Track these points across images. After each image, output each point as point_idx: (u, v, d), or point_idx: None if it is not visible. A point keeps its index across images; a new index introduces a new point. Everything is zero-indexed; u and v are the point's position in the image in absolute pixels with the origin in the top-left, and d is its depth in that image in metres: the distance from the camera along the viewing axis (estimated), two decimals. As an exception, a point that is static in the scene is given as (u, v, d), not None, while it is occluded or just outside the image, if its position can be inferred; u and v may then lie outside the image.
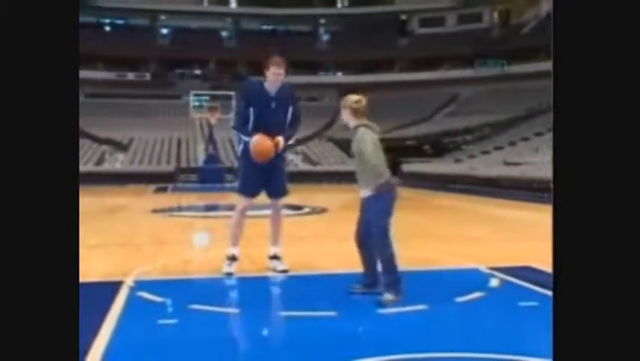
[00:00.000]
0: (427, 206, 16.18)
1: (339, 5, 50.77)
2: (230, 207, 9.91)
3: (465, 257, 6.50)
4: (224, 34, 49.37)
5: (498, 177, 22.67)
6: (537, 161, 22.43)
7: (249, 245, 6.81)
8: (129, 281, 5.24)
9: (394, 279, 4.45)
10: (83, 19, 39.89)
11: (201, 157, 29.86)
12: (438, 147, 35.96)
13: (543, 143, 26.68)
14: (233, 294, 5.31)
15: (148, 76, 45.45)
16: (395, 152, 34.85)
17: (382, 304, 4.35)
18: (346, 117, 4.44)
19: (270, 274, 5.65)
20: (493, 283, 5.19)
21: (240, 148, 5.60)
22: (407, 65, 46.17)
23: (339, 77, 47.99)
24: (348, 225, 4.94)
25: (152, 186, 25.16)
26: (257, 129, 5.26)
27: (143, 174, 29.59)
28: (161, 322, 4.11)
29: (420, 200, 18.09)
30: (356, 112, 4.41)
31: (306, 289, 4.58)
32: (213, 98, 32.17)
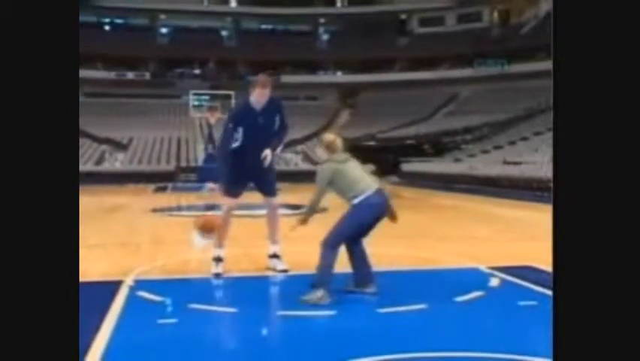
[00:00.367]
0: (427, 205, 16.17)
1: (338, 5, 50.73)
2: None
3: (465, 257, 6.50)
4: (224, 33, 49.34)
5: (498, 177, 22.67)
6: (537, 160, 22.42)
7: (249, 245, 6.82)
8: (129, 281, 5.24)
9: (324, 282, 4.53)
10: (83, 18, 39.85)
11: (201, 156, 29.85)
12: (437, 146, 35.96)
13: (543, 142, 26.68)
14: (233, 294, 5.31)
15: (148, 75, 45.41)
16: (394, 151, 35.00)
17: (303, 302, 4.43)
18: (320, 153, 4.91)
19: (269, 273, 5.65)
20: (493, 282, 5.19)
21: (221, 148, 5.69)
22: (407, 65, 46.15)
23: (339, 77, 47.99)
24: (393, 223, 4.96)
25: (152, 186, 25.14)
26: (244, 145, 5.43)
27: (142, 173, 29.59)
28: (161, 321, 4.11)
29: (419, 199, 18.09)
30: (329, 148, 4.83)
31: (305, 288, 4.58)
32: (213, 97, 32.15)
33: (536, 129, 30.61)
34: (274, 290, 5.50)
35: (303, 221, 4.85)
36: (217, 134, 30.63)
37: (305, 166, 31.18)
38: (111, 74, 44.07)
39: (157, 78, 45.17)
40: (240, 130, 5.44)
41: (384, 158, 34.07)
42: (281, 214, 5.91)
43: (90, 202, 15.58)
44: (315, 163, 32.46)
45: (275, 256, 5.66)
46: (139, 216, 12.33)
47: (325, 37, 50.24)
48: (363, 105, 43.94)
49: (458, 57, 43.88)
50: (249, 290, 5.18)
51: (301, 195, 5.00)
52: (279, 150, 5.66)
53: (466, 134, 36.20)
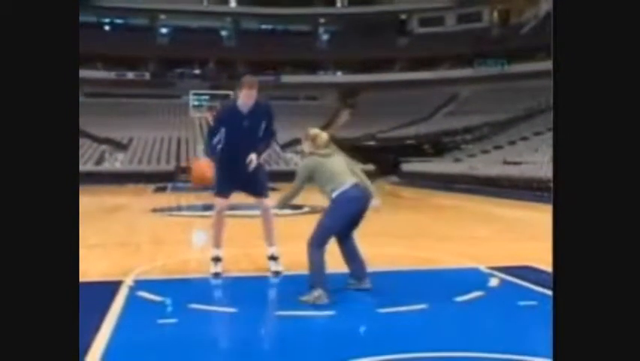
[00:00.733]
0: (427, 205, 16.17)
1: (338, 5, 50.74)
2: (231, 208, 9.93)
3: (465, 257, 6.50)
4: (223, 33, 49.34)
5: (497, 177, 22.68)
6: (536, 160, 22.43)
7: (249, 245, 6.82)
8: (129, 281, 5.24)
9: (319, 281, 4.56)
10: (83, 18, 39.85)
11: (201, 157, 29.86)
12: (437, 146, 35.98)
13: (542, 142, 26.69)
14: (233, 294, 5.31)
15: (147, 75, 45.42)
16: (395, 151, 35.01)
17: (302, 303, 4.47)
18: (305, 147, 5.03)
19: (269, 274, 5.65)
20: (493, 282, 5.20)
21: (208, 151, 5.71)
22: (407, 65, 46.16)
23: (339, 77, 48.00)
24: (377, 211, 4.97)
25: (152, 186, 25.15)
26: (229, 147, 5.42)
27: (142, 173, 29.62)
28: (161, 321, 4.11)
29: (419, 199, 18.10)
30: (313, 143, 4.94)
31: (305, 288, 4.59)
32: (213, 97, 32.20)
33: (536, 129, 30.62)
34: (274, 290, 5.50)
35: (280, 207, 5.18)
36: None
37: (305, 166, 31.10)
38: (111, 74, 44.08)
39: (157, 78, 45.17)
40: (223, 130, 5.43)
41: (384, 158, 34.14)
42: (279, 214, 5.90)
43: (90, 202, 15.59)
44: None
45: (272, 258, 5.65)
46: (139, 217, 12.34)
47: (325, 37, 50.25)
48: (363, 105, 43.95)
49: (458, 57, 43.89)
50: (248, 290, 5.18)
51: (301, 194, 5.00)
52: (265, 155, 5.63)
53: (466, 134, 36.22)
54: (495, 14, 47.08)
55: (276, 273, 5.56)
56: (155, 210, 13.43)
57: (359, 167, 5.22)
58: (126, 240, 8.52)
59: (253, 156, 5.38)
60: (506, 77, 40.53)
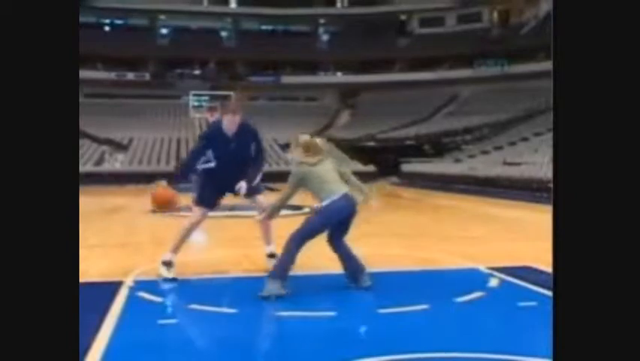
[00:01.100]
0: (427, 206, 16.17)
1: (338, 5, 50.72)
2: (230, 208, 9.95)
3: (465, 257, 6.50)
4: (223, 34, 49.32)
5: (497, 177, 22.67)
6: (536, 161, 22.43)
7: (249, 245, 6.81)
8: (129, 281, 5.24)
9: (280, 276, 4.64)
10: (83, 19, 39.82)
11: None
12: (437, 146, 35.97)
13: (542, 143, 26.68)
14: (233, 294, 5.30)
15: (147, 76, 45.39)
16: (395, 152, 35.00)
17: (263, 297, 4.56)
18: (296, 154, 5.08)
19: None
20: (493, 283, 5.20)
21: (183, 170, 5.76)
22: (407, 65, 46.15)
23: (339, 77, 47.98)
24: (370, 208, 4.98)
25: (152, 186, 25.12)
26: (219, 169, 5.44)
27: (142, 174, 29.58)
28: (161, 322, 4.11)
29: (420, 200, 18.10)
30: (304, 149, 4.98)
31: (305, 289, 4.59)
32: (213, 98, 32.18)
33: (536, 130, 30.61)
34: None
35: (269, 217, 5.23)
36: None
37: (305, 167, 31.09)
38: (111, 75, 44.06)
39: (157, 79, 45.15)
40: (210, 152, 5.45)
41: (384, 158, 34.15)
42: (283, 214, 5.89)
43: (90, 203, 15.58)
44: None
45: (271, 255, 5.66)
46: (139, 217, 12.34)
47: (325, 37, 50.22)
48: (364, 106, 43.95)
49: (458, 57, 43.86)
50: (248, 291, 5.18)
51: (301, 195, 5.00)
52: (256, 180, 5.60)
53: (466, 134, 36.22)
54: (495, 15, 47.05)
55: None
56: (155, 211, 13.42)
57: (350, 169, 5.25)
58: (126, 240, 8.52)
59: (243, 184, 5.39)
60: (506, 78, 40.51)
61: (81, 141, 31.71)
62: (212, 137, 5.54)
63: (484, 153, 30.82)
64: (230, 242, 7.34)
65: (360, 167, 31.57)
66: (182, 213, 13.76)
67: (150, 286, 5.08)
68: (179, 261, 5.48)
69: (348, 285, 4.95)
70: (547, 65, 29.47)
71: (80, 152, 30.35)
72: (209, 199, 5.58)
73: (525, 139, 30.59)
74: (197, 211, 5.59)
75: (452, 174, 26.39)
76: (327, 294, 4.84)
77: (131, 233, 9.44)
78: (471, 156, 30.68)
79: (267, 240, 5.73)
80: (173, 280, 5.35)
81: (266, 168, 6.01)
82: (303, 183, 4.89)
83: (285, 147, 33.25)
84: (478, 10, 46.87)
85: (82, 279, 3.95)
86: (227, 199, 5.83)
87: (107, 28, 47.91)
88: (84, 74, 34.71)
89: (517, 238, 8.80)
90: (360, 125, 39.70)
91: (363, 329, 4.09)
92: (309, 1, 48.26)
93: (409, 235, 8.81)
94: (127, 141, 35.52)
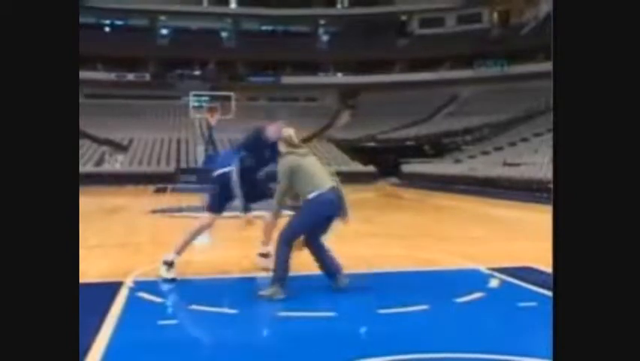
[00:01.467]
0: (427, 206, 16.16)
1: (338, 6, 50.72)
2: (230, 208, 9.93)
3: (465, 257, 6.50)
4: (223, 34, 49.32)
5: (498, 178, 22.69)
6: (536, 161, 22.45)
7: (249, 246, 6.81)
8: (129, 282, 5.24)
9: (279, 277, 4.66)
10: (83, 19, 39.82)
11: (201, 158, 29.85)
12: (438, 147, 35.98)
13: (542, 143, 26.69)
14: (233, 294, 5.30)
15: (147, 76, 45.39)
16: (395, 152, 35.00)
17: (261, 297, 4.59)
18: (280, 147, 5.07)
19: (269, 274, 5.64)
20: (493, 283, 5.20)
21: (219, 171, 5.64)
22: (407, 66, 46.16)
23: (339, 78, 47.99)
24: (346, 225, 4.97)
25: (152, 187, 25.16)
26: (247, 171, 5.46)
27: (142, 174, 29.60)
28: (161, 322, 4.11)
29: (420, 200, 18.11)
30: (287, 143, 4.99)
31: (305, 289, 4.59)
32: (213, 98, 32.15)
33: (536, 130, 30.63)
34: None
35: (275, 217, 5.17)
36: (217, 136, 30.50)
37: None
38: (111, 75, 44.07)
39: (157, 79, 45.16)
40: (244, 154, 5.49)
41: (384, 159, 34.16)
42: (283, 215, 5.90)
43: (90, 203, 15.59)
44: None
45: (263, 255, 5.69)
46: (139, 217, 12.34)
47: (325, 38, 50.22)
48: (364, 106, 43.95)
49: (458, 58, 43.88)
50: (249, 291, 5.18)
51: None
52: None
53: (466, 135, 36.23)
54: (495, 15, 47.06)
55: (264, 269, 5.56)
56: (155, 212, 13.42)
57: (333, 169, 5.26)
58: (126, 241, 8.52)
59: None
60: (506, 78, 40.52)
61: (81, 142, 31.72)
62: (253, 141, 5.54)
63: (484, 153, 30.84)
64: (231, 243, 7.33)
65: (360, 167, 31.61)
66: (183, 214, 13.78)
67: (150, 286, 5.08)
68: (179, 261, 5.48)
69: (348, 285, 4.94)
70: (547, 66, 29.48)
71: (80, 152, 30.36)
72: (220, 206, 5.58)
73: (525, 140, 30.61)
74: (208, 218, 5.58)
75: (452, 175, 26.40)
76: (327, 294, 4.84)
77: (131, 233, 9.44)
78: (471, 157, 30.69)
79: (266, 240, 5.73)
80: (173, 280, 5.35)
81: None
82: (293, 174, 4.81)
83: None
84: (478, 11, 46.88)
85: (82, 279, 3.95)
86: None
87: (107, 29, 47.91)
88: (84, 74, 34.73)
89: (517, 239, 8.80)
90: (360, 125, 39.70)
91: (363, 330, 4.09)
92: (309, 2, 48.27)
93: (409, 235, 8.81)
94: (127, 142, 35.53)
